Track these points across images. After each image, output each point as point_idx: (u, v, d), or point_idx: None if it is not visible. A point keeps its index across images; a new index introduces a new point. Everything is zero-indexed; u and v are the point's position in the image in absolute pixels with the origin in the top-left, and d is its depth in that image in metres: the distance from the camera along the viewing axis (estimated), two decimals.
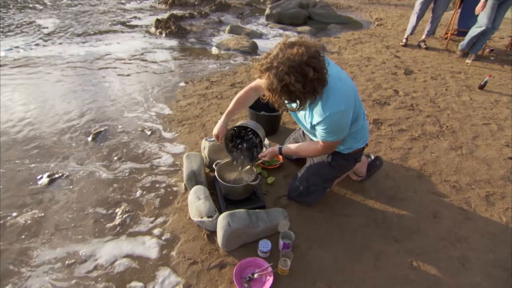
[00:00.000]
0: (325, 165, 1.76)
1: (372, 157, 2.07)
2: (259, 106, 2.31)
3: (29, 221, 1.76)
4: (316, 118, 1.40)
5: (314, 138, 1.67)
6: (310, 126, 1.50)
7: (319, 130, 1.44)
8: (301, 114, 1.55)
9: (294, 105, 1.34)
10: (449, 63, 4.31)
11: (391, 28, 5.93)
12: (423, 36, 4.85)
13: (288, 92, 1.21)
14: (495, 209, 1.98)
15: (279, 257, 1.50)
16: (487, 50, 4.69)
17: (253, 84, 1.72)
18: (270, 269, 1.48)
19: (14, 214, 1.81)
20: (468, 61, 4.28)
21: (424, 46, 4.81)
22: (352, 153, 1.72)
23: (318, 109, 1.37)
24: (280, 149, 1.75)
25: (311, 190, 1.82)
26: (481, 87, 3.55)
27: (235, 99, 1.75)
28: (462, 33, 4.61)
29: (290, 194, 1.91)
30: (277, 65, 1.17)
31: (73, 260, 1.57)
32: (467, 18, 4.55)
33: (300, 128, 2.12)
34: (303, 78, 1.17)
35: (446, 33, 5.05)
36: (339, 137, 1.47)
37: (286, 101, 1.34)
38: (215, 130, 1.77)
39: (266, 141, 2.34)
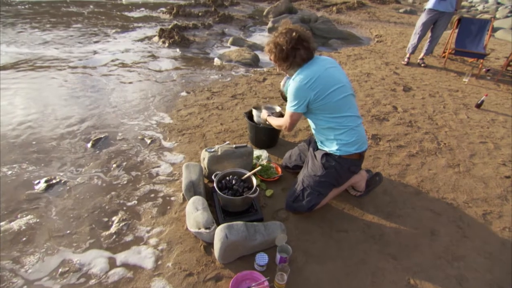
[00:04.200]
0: (319, 166, 1.79)
1: (372, 173, 2.08)
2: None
3: (23, 227, 1.75)
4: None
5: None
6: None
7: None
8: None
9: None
10: (447, 81, 4.39)
11: (390, 45, 6.05)
12: (422, 55, 4.95)
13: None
14: (492, 228, 1.99)
15: (275, 271, 1.48)
16: (484, 70, 4.79)
17: None
18: (266, 283, 1.47)
19: (9, 219, 1.79)
20: (465, 80, 4.36)
21: (422, 64, 4.90)
22: (344, 157, 1.73)
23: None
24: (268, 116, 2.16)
25: (306, 194, 1.82)
26: (478, 106, 3.61)
27: None
28: (459, 52, 4.72)
29: (287, 200, 1.90)
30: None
31: (66, 268, 1.54)
32: (464, 38, 4.67)
33: (303, 141, 2.15)
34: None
35: (444, 52, 5.15)
36: (296, 107, 1.72)
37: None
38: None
39: (265, 154, 2.35)
